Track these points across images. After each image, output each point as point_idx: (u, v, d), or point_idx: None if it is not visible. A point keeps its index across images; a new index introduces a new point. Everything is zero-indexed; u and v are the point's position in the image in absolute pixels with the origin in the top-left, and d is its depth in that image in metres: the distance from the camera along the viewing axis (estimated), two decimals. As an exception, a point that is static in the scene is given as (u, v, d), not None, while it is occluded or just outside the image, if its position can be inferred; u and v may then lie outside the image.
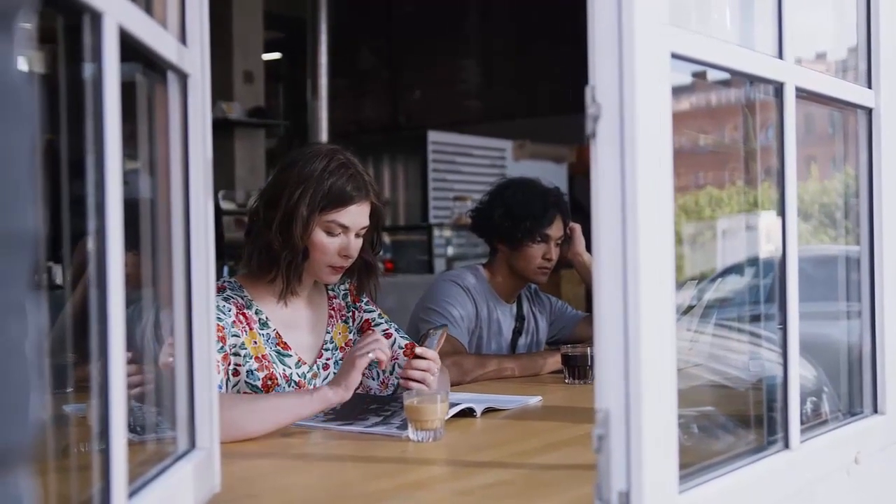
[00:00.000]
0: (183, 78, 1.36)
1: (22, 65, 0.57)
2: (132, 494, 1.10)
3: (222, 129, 7.06)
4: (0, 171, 0.54)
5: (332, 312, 2.38)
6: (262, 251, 2.21)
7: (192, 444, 1.38)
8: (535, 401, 2.37)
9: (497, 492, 1.54)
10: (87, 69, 1.03)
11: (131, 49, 1.12)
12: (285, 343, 2.24)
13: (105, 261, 1.01)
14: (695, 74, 1.49)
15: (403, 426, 1.92)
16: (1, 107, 0.54)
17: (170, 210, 1.37)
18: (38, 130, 0.58)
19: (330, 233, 2.20)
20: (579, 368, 2.66)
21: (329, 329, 2.36)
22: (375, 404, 2.15)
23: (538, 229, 3.00)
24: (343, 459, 1.78)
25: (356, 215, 2.22)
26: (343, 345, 2.37)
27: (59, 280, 2.25)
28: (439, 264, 7.41)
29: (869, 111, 1.81)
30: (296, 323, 2.30)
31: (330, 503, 1.54)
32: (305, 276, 2.27)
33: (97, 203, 1.01)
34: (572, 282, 6.80)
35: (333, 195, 2.18)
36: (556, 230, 3.04)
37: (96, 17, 1.00)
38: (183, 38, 1.36)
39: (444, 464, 1.77)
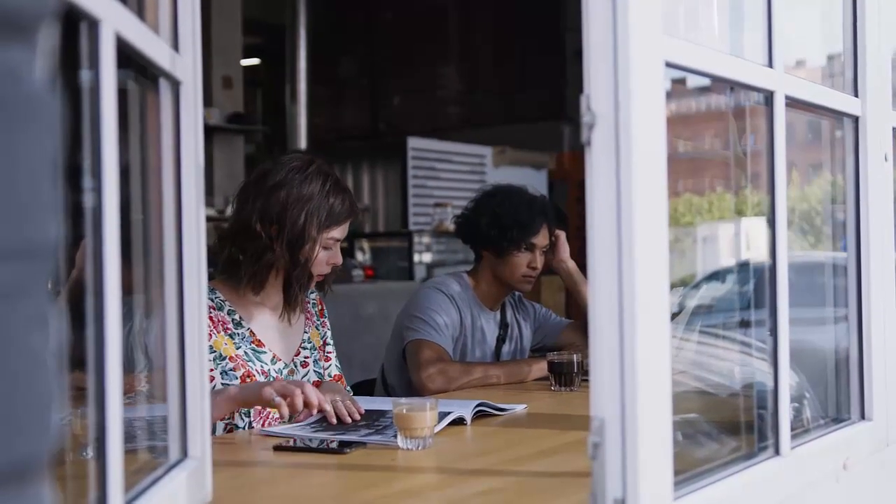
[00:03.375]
0: (175, 85, 1.35)
1: (44, 75, 0.56)
2: (127, 505, 1.09)
3: (201, 135, 7.02)
4: (25, 181, 0.53)
5: (308, 315, 2.48)
6: (266, 269, 2.28)
7: (185, 454, 1.37)
8: (521, 408, 2.36)
9: (490, 499, 1.54)
10: (84, 76, 1.02)
11: (124, 56, 1.11)
12: (260, 341, 2.32)
13: (102, 267, 1.00)
14: (674, 81, 1.50)
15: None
16: (26, 116, 0.54)
17: (161, 217, 1.36)
18: (59, 139, 0.58)
19: (326, 248, 2.32)
20: (565, 375, 2.66)
21: (307, 329, 2.45)
22: (366, 420, 2.14)
23: (525, 238, 3.00)
24: (333, 468, 1.78)
25: (346, 228, 2.36)
26: (319, 346, 2.47)
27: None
28: (420, 271, 7.41)
29: (855, 119, 1.83)
30: (272, 324, 2.37)
31: (321, 512, 1.54)
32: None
33: (94, 209, 1.00)
34: (552, 288, 6.81)
35: (335, 215, 2.31)
36: (542, 239, 3.04)
37: (94, 25, 0.99)
38: (175, 45, 1.35)
39: (435, 472, 1.77)
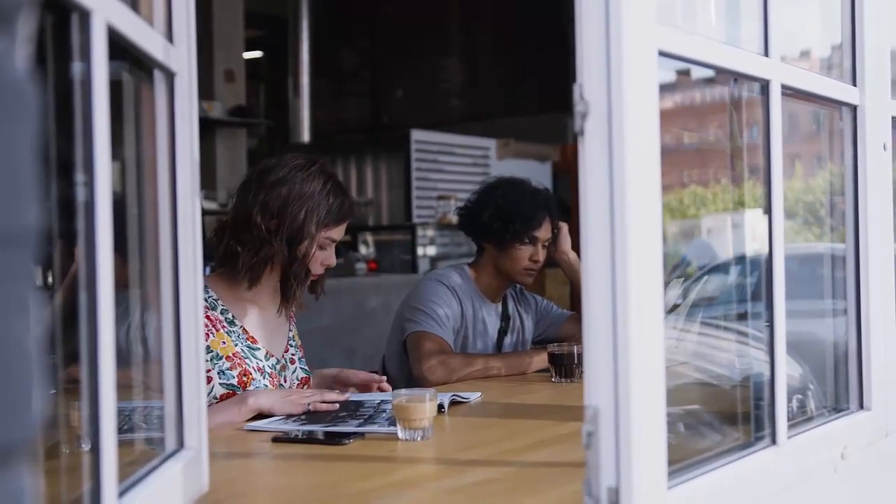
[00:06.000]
0: (170, 77, 1.35)
1: (23, 63, 0.57)
2: (122, 494, 1.10)
3: (203, 129, 6.98)
4: (3, 169, 0.54)
5: (292, 315, 2.52)
6: (263, 262, 2.30)
7: (181, 444, 1.38)
8: (475, 397, 2.39)
9: (487, 489, 1.54)
10: (75, 67, 1.02)
11: (118, 47, 1.11)
12: (253, 337, 2.35)
13: (94, 262, 1.00)
14: (679, 72, 1.50)
15: (392, 423, 1.92)
16: (5, 105, 0.54)
17: (156, 210, 1.36)
18: (38, 128, 0.58)
19: (321, 247, 2.34)
20: (566, 367, 2.66)
21: (291, 328, 2.50)
22: (344, 412, 2.14)
23: (527, 231, 2.99)
24: (331, 459, 1.78)
25: (343, 230, 2.39)
26: (299, 346, 2.52)
27: (39, 281, 2.25)
28: (423, 264, 7.41)
29: (854, 108, 1.82)
30: (262, 321, 2.40)
31: (319, 503, 1.54)
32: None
33: (86, 203, 1.00)
34: (556, 281, 6.81)
35: (334, 214, 2.33)
36: (544, 232, 3.03)
37: (85, 16, 0.99)
38: (170, 37, 1.35)
39: (433, 462, 1.77)
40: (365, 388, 2.44)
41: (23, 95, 0.55)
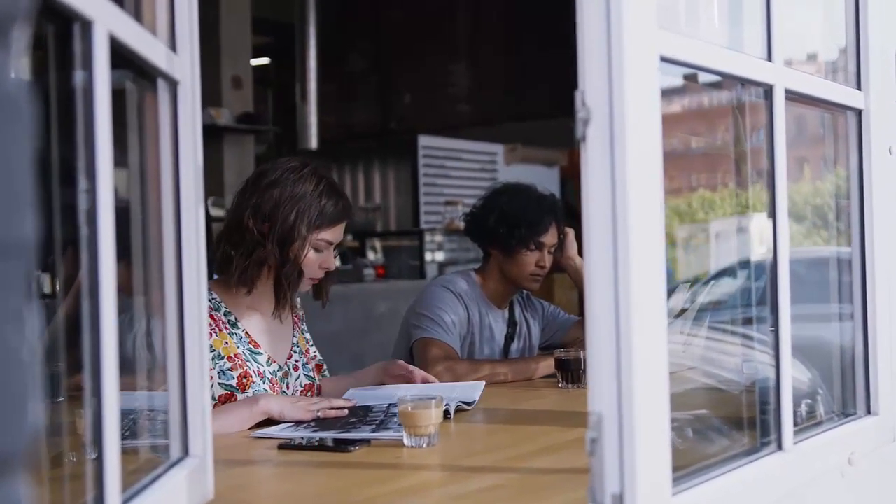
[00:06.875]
0: (173, 85, 1.35)
1: (19, 74, 0.57)
2: (126, 502, 1.10)
3: (211, 136, 7.03)
4: (0, 179, 0.54)
5: (296, 320, 2.52)
6: (256, 265, 2.30)
7: (186, 452, 1.38)
8: (479, 389, 2.41)
9: (492, 496, 1.54)
10: (78, 76, 1.02)
11: (121, 56, 1.12)
12: (255, 342, 2.35)
13: (97, 270, 1.01)
14: (686, 77, 1.50)
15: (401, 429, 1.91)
16: (1, 116, 0.54)
17: (160, 218, 1.37)
18: (35, 139, 0.58)
19: (317, 249, 2.34)
20: (572, 372, 2.66)
21: (295, 334, 2.49)
22: (354, 418, 2.14)
23: (533, 237, 2.99)
24: (337, 466, 1.78)
25: (340, 232, 2.38)
26: (304, 351, 2.51)
27: (46, 289, 2.25)
28: (431, 269, 7.40)
29: (858, 112, 1.82)
30: (265, 327, 2.40)
31: (324, 509, 1.54)
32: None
33: (89, 211, 1.01)
34: (564, 286, 6.80)
35: (327, 216, 2.32)
36: (550, 238, 3.03)
37: (87, 25, 0.99)
38: (173, 45, 1.36)
39: (439, 469, 1.77)
40: (405, 380, 2.47)
41: (18, 106, 0.55)
